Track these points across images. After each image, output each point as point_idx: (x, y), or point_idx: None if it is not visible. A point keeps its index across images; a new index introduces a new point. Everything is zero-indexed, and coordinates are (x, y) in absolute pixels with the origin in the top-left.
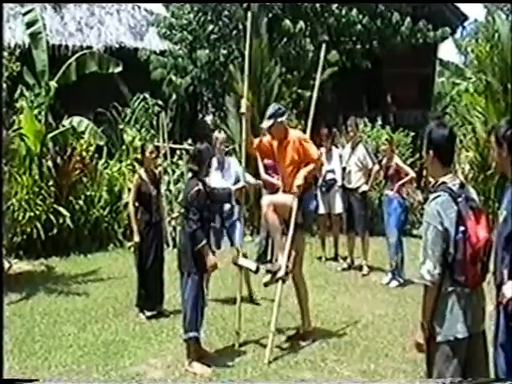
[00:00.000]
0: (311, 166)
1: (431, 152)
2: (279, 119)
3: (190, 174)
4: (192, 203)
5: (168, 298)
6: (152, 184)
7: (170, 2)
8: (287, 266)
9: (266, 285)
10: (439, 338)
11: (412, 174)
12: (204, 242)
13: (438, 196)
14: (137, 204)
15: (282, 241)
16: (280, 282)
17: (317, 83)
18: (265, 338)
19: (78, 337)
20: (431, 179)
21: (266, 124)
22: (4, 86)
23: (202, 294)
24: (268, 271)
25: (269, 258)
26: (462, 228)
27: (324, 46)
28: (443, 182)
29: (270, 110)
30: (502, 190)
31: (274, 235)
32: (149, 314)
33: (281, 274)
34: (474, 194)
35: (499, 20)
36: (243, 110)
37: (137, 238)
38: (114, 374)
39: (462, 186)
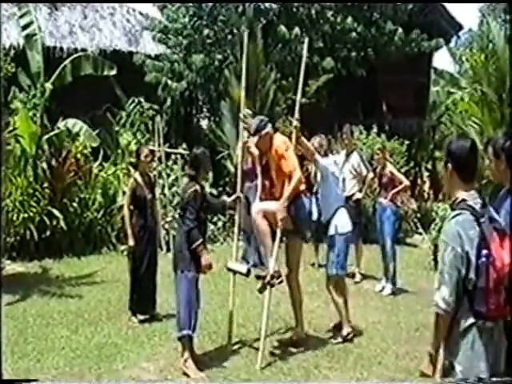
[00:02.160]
0: (293, 183)
1: (450, 165)
2: (263, 132)
3: (185, 180)
4: (189, 202)
5: (161, 301)
6: (147, 188)
7: (167, 1)
8: (278, 272)
9: (260, 291)
10: (459, 378)
11: (406, 182)
12: (200, 240)
13: (458, 214)
14: (131, 208)
15: (271, 246)
16: (269, 286)
17: (301, 79)
18: (257, 344)
19: (71, 339)
20: (452, 196)
21: (251, 142)
22: None
23: (196, 293)
24: (258, 277)
25: (251, 262)
26: (484, 251)
27: (306, 41)
28: (463, 200)
29: (253, 126)
30: (495, 199)
31: (263, 241)
32: (141, 317)
33: (268, 278)
34: (496, 214)
35: (494, 30)
36: (242, 118)
37: (131, 242)
38: (107, 377)
39: (483, 205)
